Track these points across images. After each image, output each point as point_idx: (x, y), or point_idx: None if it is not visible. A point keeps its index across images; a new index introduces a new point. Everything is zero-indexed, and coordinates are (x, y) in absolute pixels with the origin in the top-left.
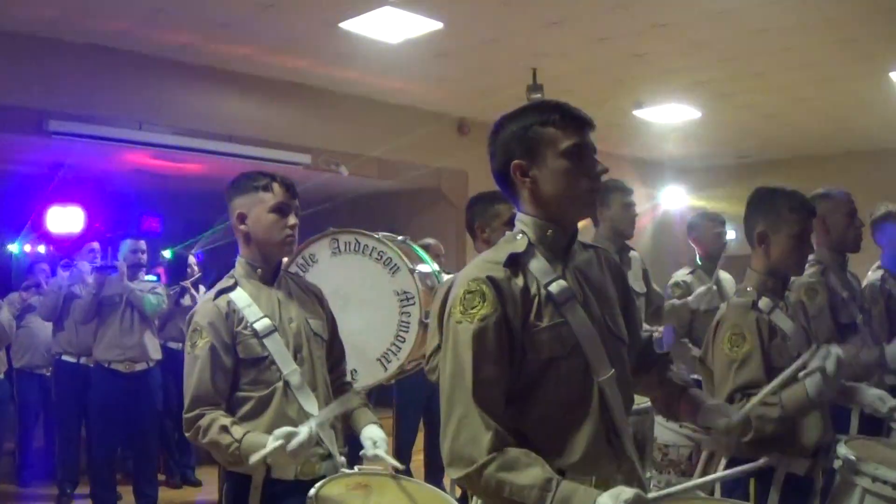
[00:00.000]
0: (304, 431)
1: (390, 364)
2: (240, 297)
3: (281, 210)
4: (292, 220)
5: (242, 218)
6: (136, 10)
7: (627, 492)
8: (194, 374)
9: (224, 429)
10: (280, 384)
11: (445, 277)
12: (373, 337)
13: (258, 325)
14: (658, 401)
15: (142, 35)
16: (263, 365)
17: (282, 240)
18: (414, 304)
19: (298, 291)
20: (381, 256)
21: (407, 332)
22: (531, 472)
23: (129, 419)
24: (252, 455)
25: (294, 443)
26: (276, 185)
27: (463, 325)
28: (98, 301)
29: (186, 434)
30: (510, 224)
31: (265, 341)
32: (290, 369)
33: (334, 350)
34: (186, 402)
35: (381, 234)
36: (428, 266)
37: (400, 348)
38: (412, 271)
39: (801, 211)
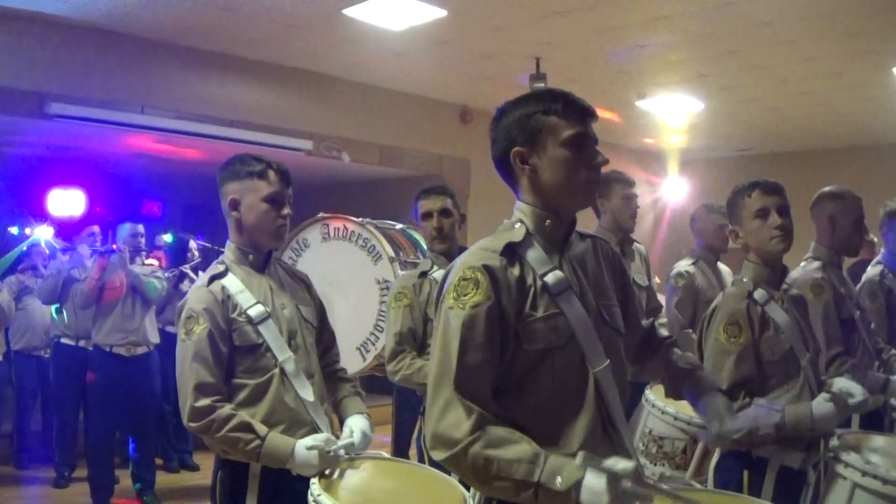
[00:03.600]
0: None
1: (368, 354)
2: (232, 283)
3: (275, 200)
4: (286, 210)
5: (235, 204)
6: None
7: (625, 463)
8: (194, 361)
9: (247, 426)
10: (276, 371)
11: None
12: (354, 325)
13: (252, 312)
14: (665, 383)
15: (144, 18)
16: (259, 352)
17: (274, 230)
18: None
19: (287, 278)
20: (366, 244)
21: (385, 321)
22: (518, 447)
23: (128, 403)
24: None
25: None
26: (271, 174)
27: (454, 312)
28: (100, 286)
29: (192, 424)
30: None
31: (260, 328)
32: (285, 356)
33: (324, 336)
34: (189, 390)
35: (366, 220)
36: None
37: (378, 338)
38: (392, 260)
39: (751, 190)
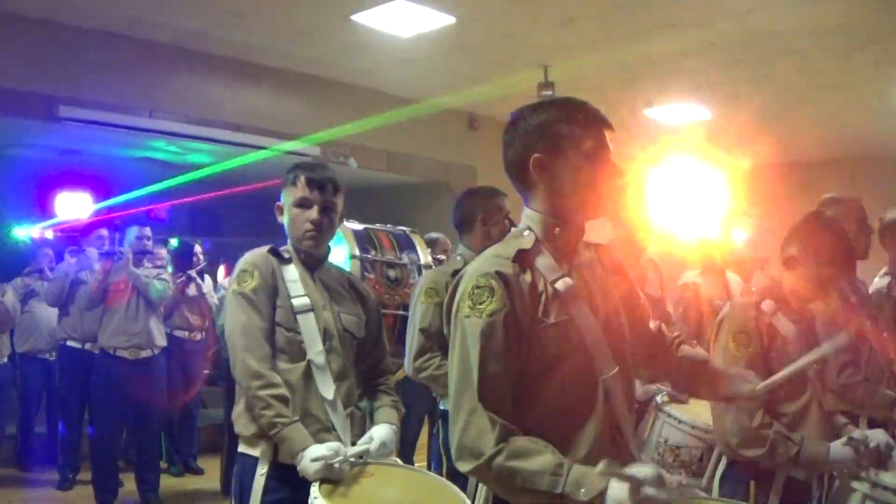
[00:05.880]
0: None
1: None
2: (290, 271)
3: (302, 205)
4: (312, 214)
5: (280, 209)
6: None
7: (647, 469)
8: (243, 312)
9: (283, 399)
10: (304, 364)
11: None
12: None
13: (297, 302)
14: (678, 381)
15: (154, 22)
16: (292, 336)
17: (301, 234)
18: None
19: (338, 286)
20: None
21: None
22: (541, 458)
23: (131, 406)
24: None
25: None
26: (300, 179)
27: (471, 321)
28: (104, 288)
29: (235, 372)
30: (508, 219)
31: (299, 318)
32: (315, 350)
33: (375, 350)
34: (239, 340)
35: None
36: (409, 256)
37: None
38: (353, 257)
39: (835, 265)
